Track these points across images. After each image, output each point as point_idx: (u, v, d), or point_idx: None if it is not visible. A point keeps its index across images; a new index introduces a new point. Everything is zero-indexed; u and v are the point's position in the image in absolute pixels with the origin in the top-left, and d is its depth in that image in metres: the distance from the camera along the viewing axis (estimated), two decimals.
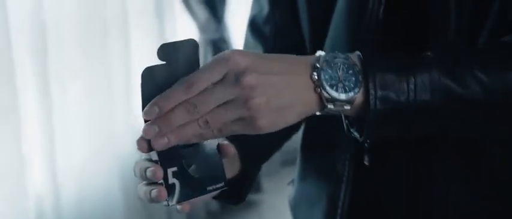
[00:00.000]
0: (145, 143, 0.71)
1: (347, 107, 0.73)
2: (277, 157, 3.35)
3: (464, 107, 0.76)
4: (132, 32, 2.48)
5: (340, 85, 0.72)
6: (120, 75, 2.43)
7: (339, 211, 0.98)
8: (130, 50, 2.47)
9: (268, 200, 3.28)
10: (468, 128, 0.83)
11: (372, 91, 0.72)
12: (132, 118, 2.48)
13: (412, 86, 0.73)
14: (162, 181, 0.71)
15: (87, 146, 2.38)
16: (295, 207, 1.09)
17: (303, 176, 1.07)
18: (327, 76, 0.72)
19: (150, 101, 0.70)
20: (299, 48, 1.03)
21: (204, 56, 2.96)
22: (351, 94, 0.72)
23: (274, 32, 1.08)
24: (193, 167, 0.74)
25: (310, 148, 1.06)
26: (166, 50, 0.70)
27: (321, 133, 1.01)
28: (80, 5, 2.26)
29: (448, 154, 0.91)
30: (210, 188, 0.75)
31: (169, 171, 0.72)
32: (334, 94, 0.72)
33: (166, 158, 0.72)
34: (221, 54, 0.70)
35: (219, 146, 0.76)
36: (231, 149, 0.79)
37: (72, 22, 2.26)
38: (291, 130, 1.10)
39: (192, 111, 0.67)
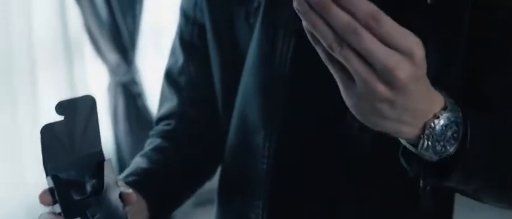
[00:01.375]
0: (49, 196, 0.74)
1: (434, 158, 0.71)
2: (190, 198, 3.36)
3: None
4: (40, 77, 2.46)
5: (441, 143, 0.70)
6: (28, 122, 2.40)
7: None
8: (38, 96, 2.44)
9: None
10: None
11: (468, 146, 0.71)
12: (40, 166, 2.46)
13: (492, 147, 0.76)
14: None
15: None
16: None
17: None
18: (438, 132, 0.69)
19: (51, 157, 0.73)
20: (210, 98, 1.07)
21: (114, 98, 2.94)
22: (444, 153, 0.71)
23: (188, 83, 1.10)
24: (97, 216, 0.76)
25: (226, 197, 1.09)
26: (64, 107, 0.74)
27: (236, 182, 1.04)
28: None
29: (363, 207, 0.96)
30: None
31: None
32: (431, 148, 0.70)
33: (69, 209, 0.74)
34: (419, 44, 0.61)
35: (121, 194, 0.79)
36: (134, 197, 0.80)
37: None
38: (205, 178, 1.14)
39: (347, 33, 0.59)
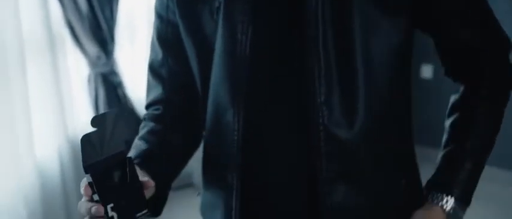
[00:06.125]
0: (89, 189, 0.93)
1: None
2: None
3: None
4: (29, 69, 2.59)
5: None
6: (21, 110, 2.52)
7: (233, 213, 1.15)
8: (28, 85, 2.57)
9: None
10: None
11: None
12: (33, 148, 2.59)
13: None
14: (104, 215, 0.93)
15: None
16: (203, 213, 1.28)
17: (205, 186, 1.25)
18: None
19: (88, 158, 0.92)
20: (190, 84, 1.21)
21: (95, 88, 3.04)
22: None
23: (169, 73, 1.24)
24: (123, 201, 0.95)
25: (208, 163, 1.24)
26: (97, 120, 0.94)
27: (216, 152, 1.19)
28: None
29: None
30: (138, 214, 0.97)
31: (108, 207, 0.94)
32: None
33: (105, 197, 0.94)
34: None
35: (141, 182, 0.98)
36: (151, 183, 0.99)
37: None
38: (193, 150, 1.29)
39: None
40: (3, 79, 2.43)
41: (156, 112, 1.26)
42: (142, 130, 1.23)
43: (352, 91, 1.07)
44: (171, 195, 1.24)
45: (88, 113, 3.02)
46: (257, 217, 1.18)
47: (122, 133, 0.97)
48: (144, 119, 1.27)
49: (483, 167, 1.19)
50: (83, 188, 0.94)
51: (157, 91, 1.26)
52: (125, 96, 3.17)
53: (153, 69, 1.26)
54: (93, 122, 0.93)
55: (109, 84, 3.08)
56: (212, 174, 1.22)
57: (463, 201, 1.16)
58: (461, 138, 1.18)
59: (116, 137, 0.96)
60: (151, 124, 1.24)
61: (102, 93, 3.06)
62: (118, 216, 0.94)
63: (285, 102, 1.12)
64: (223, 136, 1.15)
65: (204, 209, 1.27)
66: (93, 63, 3.01)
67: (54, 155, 2.75)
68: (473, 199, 1.18)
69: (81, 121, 2.95)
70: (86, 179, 0.94)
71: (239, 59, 1.10)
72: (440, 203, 1.15)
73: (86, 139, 0.92)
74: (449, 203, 1.15)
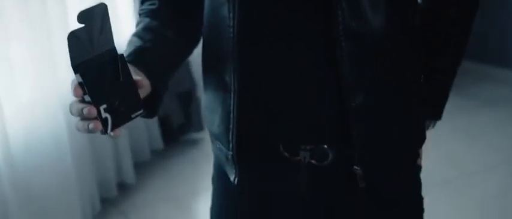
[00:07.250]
0: (80, 90, 0.88)
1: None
2: None
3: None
4: None
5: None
6: (58, 26, 2.54)
7: (231, 115, 1.12)
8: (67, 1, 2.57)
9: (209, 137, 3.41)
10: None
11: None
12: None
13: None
14: (97, 116, 0.89)
15: (33, 89, 2.51)
16: (204, 114, 1.26)
17: (205, 88, 1.22)
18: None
19: (77, 57, 0.87)
20: None
21: None
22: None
23: None
24: (117, 102, 0.91)
25: (207, 64, 1.20)
26: (83, 16, 0.87)
27: (214, 51, 1.15)
28: None
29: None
30: (133, 115, 0.94)
31: (101, 108, 0.89)
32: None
33: (97, 97, 0.89)
34: None
35: (134, 81, 0.94)
36: (143, 82, 0.97)
37: None
38: (191, 46, 1.25)
39: None
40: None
41: (151, 7, 1.21)
42: (138, 27, 1.19)
43: None
44: None
45: (130, 24, 3.00)
46: (256, 120, 1.14)
47: (110, 29, 0.91)
48: (140, 14, 1.22)
49: (452, 82, 1.26)
50: (73, 89, 0.89)
51: None
52: None
53: None
54: (80, 18, 0.87)
55: None
56: (211, 74, 1.18)
57: (436, 117, 1.29)
58: (431, 59, 1.22)
59: (105, 34, 0.90)
60: (146, 20, 1.19)
61: None
62: (111, 117, 0.90)
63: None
64: (220, 32, 1.10)
65: (205, 110, 1.24)
66: None
67: None
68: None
69: (123, 32, 2.94)
70: (75, 79, 0.90)
71: None
72: None
73: (73, 36, 0.87)
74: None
